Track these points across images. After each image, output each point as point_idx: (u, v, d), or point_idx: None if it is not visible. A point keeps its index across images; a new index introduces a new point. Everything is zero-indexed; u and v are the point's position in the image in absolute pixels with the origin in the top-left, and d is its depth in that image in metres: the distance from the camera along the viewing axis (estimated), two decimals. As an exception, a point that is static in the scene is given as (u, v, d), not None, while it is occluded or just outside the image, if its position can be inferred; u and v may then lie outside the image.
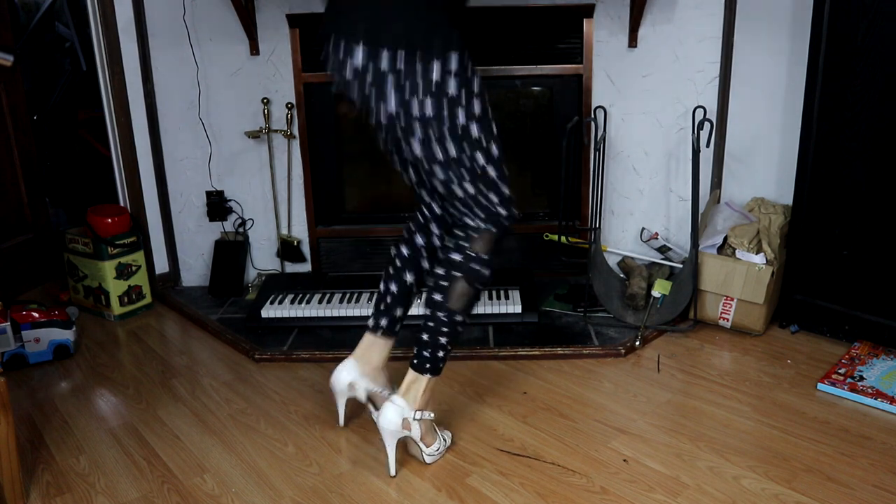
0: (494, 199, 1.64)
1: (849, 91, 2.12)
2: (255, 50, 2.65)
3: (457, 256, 1.65)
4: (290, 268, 2.90)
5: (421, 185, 1.81)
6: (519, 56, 2.61)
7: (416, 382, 1.69)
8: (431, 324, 1.67)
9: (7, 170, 2.84)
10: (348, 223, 2.86)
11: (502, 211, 1.65)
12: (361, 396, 1.84)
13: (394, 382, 1.85)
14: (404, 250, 1.83)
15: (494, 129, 1.63)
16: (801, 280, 2.35)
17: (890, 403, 1.92)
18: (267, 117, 2.71)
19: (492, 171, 1.62)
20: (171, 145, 2.79)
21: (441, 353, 1.69)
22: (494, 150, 1.62)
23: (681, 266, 2.51)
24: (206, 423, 1.98)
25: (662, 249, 2.73)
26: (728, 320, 2.39)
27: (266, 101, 2.70)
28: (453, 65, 1.52)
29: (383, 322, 1.83)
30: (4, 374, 1.56)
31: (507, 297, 2.50)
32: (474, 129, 1.58)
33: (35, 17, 3.68)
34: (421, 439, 1.72)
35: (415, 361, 1.70)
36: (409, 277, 1.82)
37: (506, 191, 1.66)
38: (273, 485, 1.70)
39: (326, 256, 2.87)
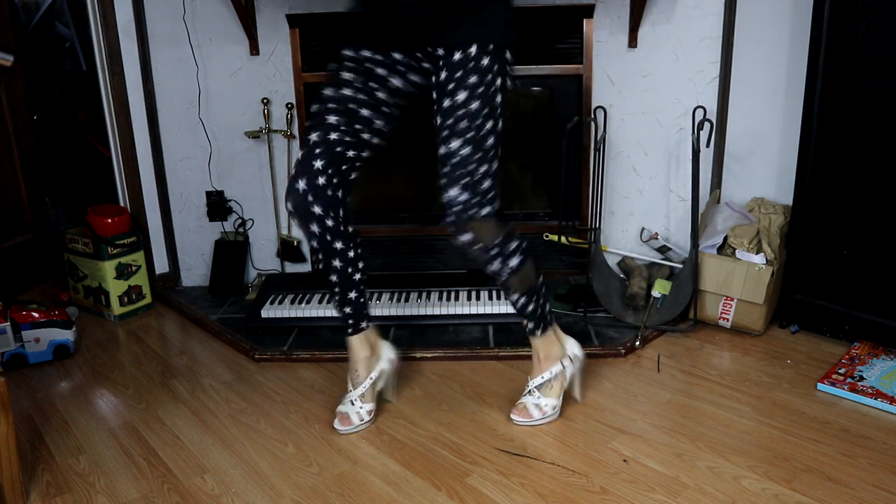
0: None
1: (849, 91, 2.12)
2: (255, 50, 2.65)
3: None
4: (290, 268, 2.90)
5: None
6: (519, 56, 2.57)
7: None
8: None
9: (7, 170, 2.85)
10: (348, 223, 2.85)
11: None
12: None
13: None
14: None
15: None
16: (801, 280, 2.35)
17: (890, 403, 1.92)
18: (267, 117, 2.71)
19: None
20: (171, 145, 2.79)
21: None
22: None
23: (681, 266, 2.51)
24: (206, 423, 1.98)
25: (662, 249, 2.73)
26: (728, 320, 2.39)
27: (266, 101, 2.70)
28: None
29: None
30: (4, 374, 1.56)
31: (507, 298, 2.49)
32: None
33: (35, 17, 3.68)
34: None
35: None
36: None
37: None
38: (273, 485, 1.70)
39: (326, 256, 2.86)
